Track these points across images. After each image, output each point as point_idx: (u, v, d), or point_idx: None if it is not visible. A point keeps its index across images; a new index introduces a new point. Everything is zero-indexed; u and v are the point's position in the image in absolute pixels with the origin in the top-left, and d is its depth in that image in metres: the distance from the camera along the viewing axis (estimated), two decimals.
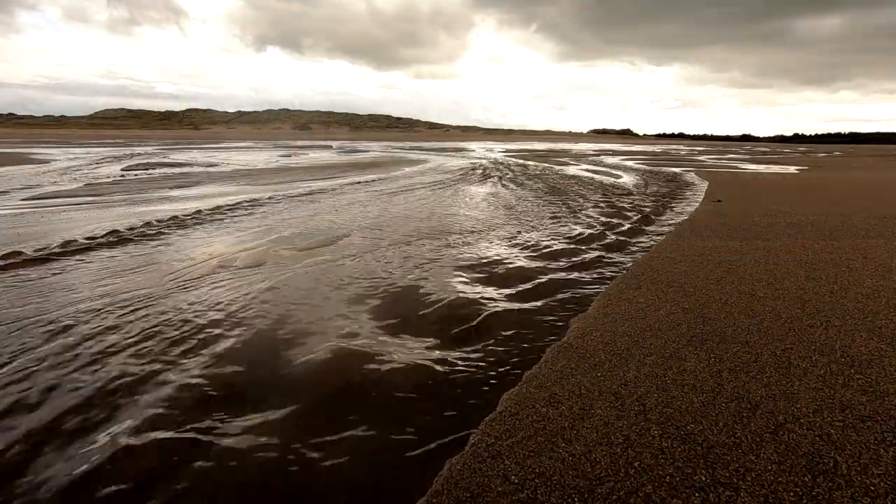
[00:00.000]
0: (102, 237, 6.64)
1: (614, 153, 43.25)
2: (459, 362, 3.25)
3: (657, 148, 68.70)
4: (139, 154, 28.46)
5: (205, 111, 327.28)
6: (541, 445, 2.30)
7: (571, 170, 21.62)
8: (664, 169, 22.52)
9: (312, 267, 5.42)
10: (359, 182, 14.94)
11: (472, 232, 7.47)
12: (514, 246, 6.48)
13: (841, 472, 2.10)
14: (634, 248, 6.44)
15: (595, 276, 5.19)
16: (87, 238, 6.55)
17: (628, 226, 7.94)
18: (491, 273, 5.22)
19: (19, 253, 5.69)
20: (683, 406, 2.62)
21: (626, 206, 10.35)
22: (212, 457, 2.31)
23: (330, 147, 47.87)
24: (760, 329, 3.65)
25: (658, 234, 7.36)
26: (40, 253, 5.75)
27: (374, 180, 15.61)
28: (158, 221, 7.80)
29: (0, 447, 2.35)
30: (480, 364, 3.23)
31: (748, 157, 40.43)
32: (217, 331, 3.67)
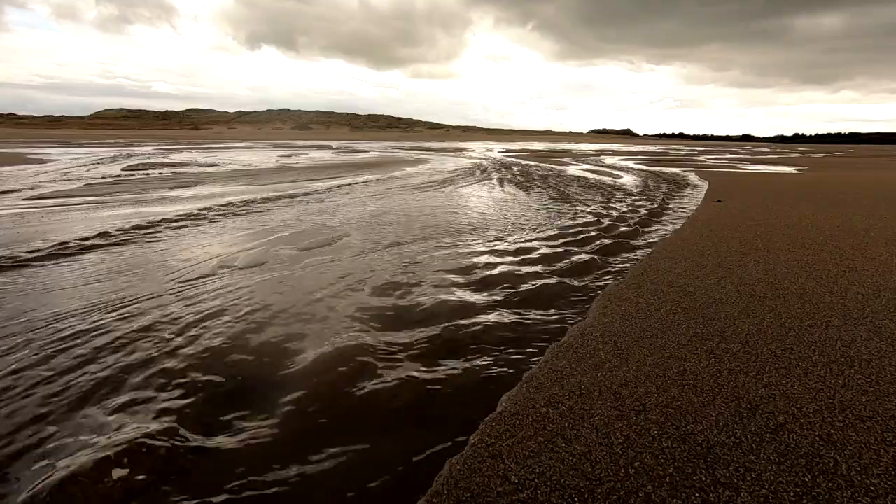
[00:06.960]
0: (102, 238, 6.63)
1: (614, 153, 43.22)
2: (458, 363, 3.25)
3: (657, 148, 68.67)
4: (139, 154, 28.46)
5: (205, 111, 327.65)
6: (541, 445, 2.30)
7: (572, 170, 21.61)
8: (664, 169, 22.51)
9: (312, 268, 5.42)
10: (359, 182, 14.93)
11: (472, 233, 7.47)
12: (514, 247, 6.48)
13: (841, 472, 2.10)
14: (634, 249, 6.43)
15: (594, 277, 5.18)
16: (87, 238, 6.55)
17: (629, 227, 7.93)
18: (489, 274, 5.21)
19: (14, 256, 5.69)
20: (683, 406, 2.62)
21: (626, 206, 10.34)
22: (211, 458, 2.31)
23: (330, 147, 47.83)
24: (760, 329, 3.65)
25: (658, 235, 7.36)
26: (39, 253, 5.75)
27: (374, 180, 15.61)
28: (158, 222, 7.80)
29: None
30: (479, 365, 3.23)
31: (748, 157, 40.40)
32: (216, 331, 3.66)
